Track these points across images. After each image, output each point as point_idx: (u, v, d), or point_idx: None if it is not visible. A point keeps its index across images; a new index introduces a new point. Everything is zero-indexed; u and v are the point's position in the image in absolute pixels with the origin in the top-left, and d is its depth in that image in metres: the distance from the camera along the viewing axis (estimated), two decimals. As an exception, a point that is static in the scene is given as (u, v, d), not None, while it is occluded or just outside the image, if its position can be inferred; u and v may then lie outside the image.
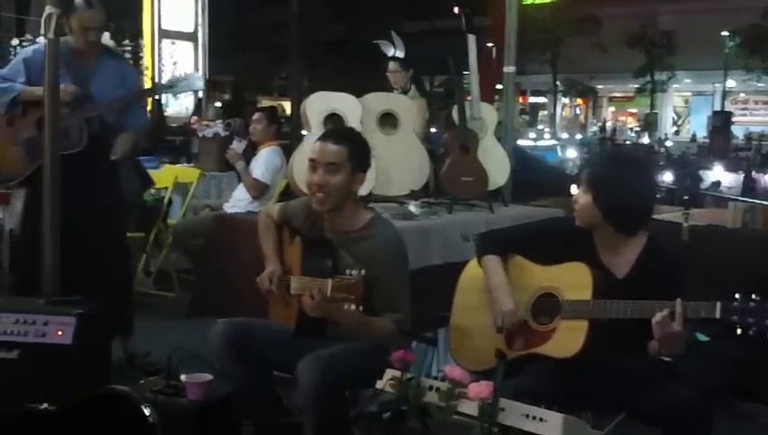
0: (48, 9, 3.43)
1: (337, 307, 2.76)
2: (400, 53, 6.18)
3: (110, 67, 4.51)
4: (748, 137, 30.24)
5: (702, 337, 3.94)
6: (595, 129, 40.72)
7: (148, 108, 5.00)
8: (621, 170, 2.84)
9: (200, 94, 12.62)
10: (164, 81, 4.71)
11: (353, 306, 2.71)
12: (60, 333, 3.18)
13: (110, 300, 4.30)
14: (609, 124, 42.00)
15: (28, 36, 7.43)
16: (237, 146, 5.83)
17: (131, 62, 7.95)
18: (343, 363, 2.93)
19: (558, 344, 2.75)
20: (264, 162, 5.52)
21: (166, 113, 11.21)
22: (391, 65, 6.20)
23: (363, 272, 2.75)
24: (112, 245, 4.49)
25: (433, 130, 6.86)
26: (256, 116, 5.89)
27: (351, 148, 3.11)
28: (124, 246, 4.70)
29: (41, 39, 4.33)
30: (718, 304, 2.48)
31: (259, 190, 5.42)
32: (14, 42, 7.41)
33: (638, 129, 40.79)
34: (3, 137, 4.39)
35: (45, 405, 2.87)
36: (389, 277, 3.05)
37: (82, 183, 4.17)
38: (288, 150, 5.62)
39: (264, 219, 3.49)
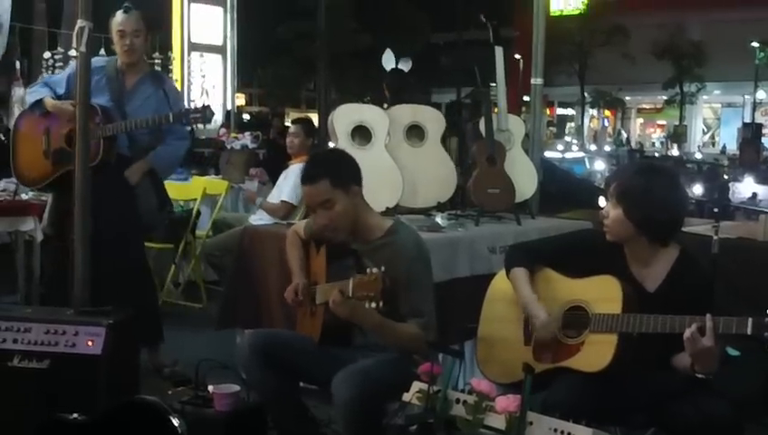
0: (80, 23, 3.46)
1: (359, 305, 2.80)
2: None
3: (149, 92, 4.56)
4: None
5: (732, 351, 3.89)
6: (609, 139, 40.44)
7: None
8: (651, 181, 2.80)
9: (228, 106, 12.71)
10: (177, 109, 4.66)
11: (374, 304, 2.75)
12: (90, 343, 3.20)
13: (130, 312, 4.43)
14: (623, 135, 41.77)
15: (60, 49, 7.53)
16: (251, 185, 5.77)
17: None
18: (377, 377, 2.93)
19: (587, 358, 2.72)
20: (293, 182, 5.44)
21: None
22: None
23: (383, 268, 2.79)
24: (129, 260, 4.51)
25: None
26: (293, 129, 5.85)
27: (330, 175, 3.09)
28: (142, 261, 4.72)
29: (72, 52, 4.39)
30: (750, 320, 2.45)
31: (286, 212, 5.30)
32: (46, 55, 7.51)
33: (655, 140, 40.56)
34: (36, 147, 4.52)
35: (75, 415, 2.90)
36: (411, 280, 3.06)
37: (98, 198, 4.26)
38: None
39: (291, 236, 3.53)
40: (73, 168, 4.32)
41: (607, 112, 44.91)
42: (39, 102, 4.49)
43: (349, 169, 3.18)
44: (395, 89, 6.13)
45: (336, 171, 3.13)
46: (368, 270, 2.82)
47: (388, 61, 5.62)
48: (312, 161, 3.29)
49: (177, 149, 4.75)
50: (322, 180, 3.09)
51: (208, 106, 4.47)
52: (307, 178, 3.16)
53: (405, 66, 5.67)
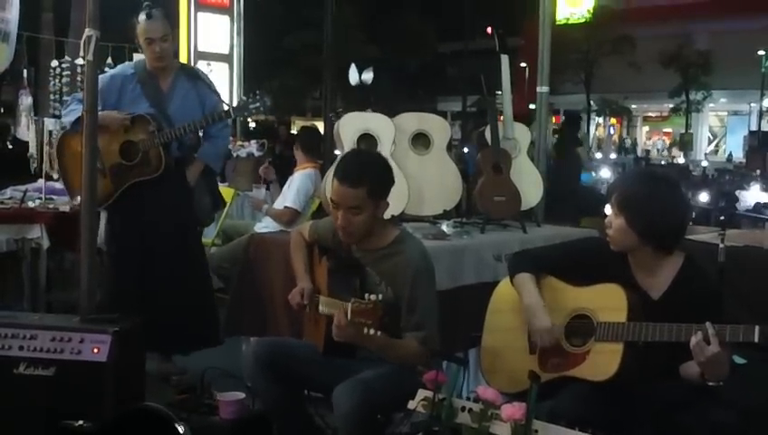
0: (87, 32, 3.47)
1: (358, 331, 2.77)
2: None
3: (186, 88, 4.52)
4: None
5: (739, 359, 3.88)
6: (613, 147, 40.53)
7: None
8: (652, 188, 2.80)
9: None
10: (234, 103, 4.74)
11: (372, 331, 2.72)
12: (96, 350, 3.21)
13: (192, 314, 4.45)
14: (628, 141, 41.77)
15: (67, 58, 7.55)
16: (257, 193, 5.78)
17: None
18: (380, 388, 2.92)
19: (593, 367, 2.72)
20: (296, 188, 5.46)
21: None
22: None
23: (380, 296, 2.77)
24: (192, 264, 4.57)
25: (466, 149, 6.87)
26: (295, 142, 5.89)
27: (370, 185, 3.03)
28: (203, 262, 4.76)
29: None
30: (757, 328, 2.45)
31: (290, 217, 5.31)
32: (54, 63, 7.53)
33: (650, 147, 40.56)
34: None
35: (81, 422, 2.91)
36: (415, 293, 3.05)
37: (161, 205, 4.28)
38: (321, 170, 5.63)
39: (296, 238, 3.51)
40: (136, 180, 4.38)
41: (613, 120, 44.83)
42: (79, 120, 4.26)
43: (388, 183, 3.13)
44: (356, 102, 6.16)
45: (377, 183, 3.07)
46: (366, 296, 2.78)
47: (353, 75, 5.63)
48: (356, 163, 3.14)
49: (224, 137, 4.79)
50: (361, 188, 3.01)
51: (259, 91, 4.50)
52: (347, 178, 3.03)
53: (367, 78, 5.68)
